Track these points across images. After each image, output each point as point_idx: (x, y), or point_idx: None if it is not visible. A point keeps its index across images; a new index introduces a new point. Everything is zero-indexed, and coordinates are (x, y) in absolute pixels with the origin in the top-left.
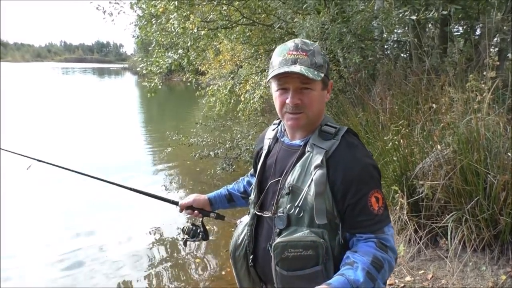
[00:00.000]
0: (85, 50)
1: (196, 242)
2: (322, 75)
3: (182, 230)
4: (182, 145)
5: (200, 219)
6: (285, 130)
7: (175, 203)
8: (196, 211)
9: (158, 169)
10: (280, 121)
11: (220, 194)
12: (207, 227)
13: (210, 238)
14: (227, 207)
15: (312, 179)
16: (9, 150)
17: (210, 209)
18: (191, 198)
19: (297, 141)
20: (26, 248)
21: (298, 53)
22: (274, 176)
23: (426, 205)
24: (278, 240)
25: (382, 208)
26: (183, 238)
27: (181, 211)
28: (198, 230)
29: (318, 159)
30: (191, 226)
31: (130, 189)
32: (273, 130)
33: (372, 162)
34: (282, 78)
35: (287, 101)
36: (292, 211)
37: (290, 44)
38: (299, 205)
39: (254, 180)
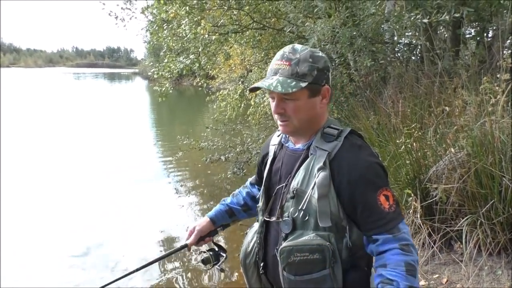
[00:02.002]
0: (96, 56)
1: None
2: (303, 84)
3: (203, 262)
4: (193, 149)
5: (211, 242)
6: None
7: (184, 247)
8: (207, 238)
9: (169, 172)
10: None
11: (221, 211)
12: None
13: (220, 243)
14: (229, 222)
15: (315, 182)
16: None
17: (214, 228)
18: (195, 231)
19: (300, 145)
20: (33, 260)
21: (281, 62)
22: (280, 182)
23: (440, 208)
24: (284, 244)
25: (394, 206)
26: (209, 269)
27: (189, 250)
28: (217, 252)
29: (320, 161)
30: (207, 254)
31: (137, 270)
32: (278, 136)
33: (377, 160)
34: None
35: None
36: (297, 214)
37: (280, 52)
38: (303, 208)
39: (257, 188)
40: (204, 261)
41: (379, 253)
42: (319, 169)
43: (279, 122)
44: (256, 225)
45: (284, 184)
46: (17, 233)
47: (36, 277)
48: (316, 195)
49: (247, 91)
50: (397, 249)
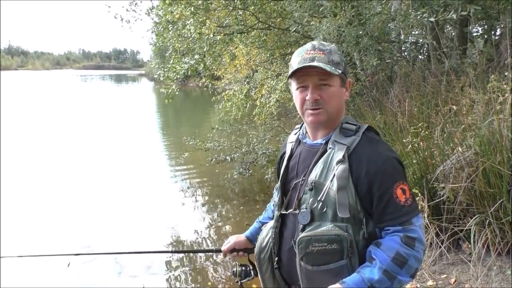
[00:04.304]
0: (103, 57)
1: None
2: (340, 71)
3: (234, 274)
4: (199, 150)
5: (246, 258)
6: (306, 132)
7: (218, 251)
8: (240, 252)
9: (175, 172)
10: (302, 124)
11: (255, 229)
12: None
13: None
14: None
15: (334, 174)
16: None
17: (251, 246)
18: (231, 241)
19: (319, 140)
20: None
21: (315, 52)
22: (297, 177)
23: (448, 208)
24: (302, 234)
25: (410, 200)
26: (237, 281)
27: (224, 256)
28: (248, 269)
29: (339, 154)
30: (240, 268)
31: (173, 252)
32: (295, 134)
33: (395, 155)
34: (301, 76)
35: (307, 97)
36: (315, 205)
37: (307, 45)
38: (322, 199)
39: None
40: (234, 273)
41: (382, 238)
42: (338, 162)
43: (310, 112)
44: (271, 222)
45: (301, 178)
46: (20, 233)
47: (43, 277)
48: (334, 187)
49: (287, 79)
50: (398, 237)
